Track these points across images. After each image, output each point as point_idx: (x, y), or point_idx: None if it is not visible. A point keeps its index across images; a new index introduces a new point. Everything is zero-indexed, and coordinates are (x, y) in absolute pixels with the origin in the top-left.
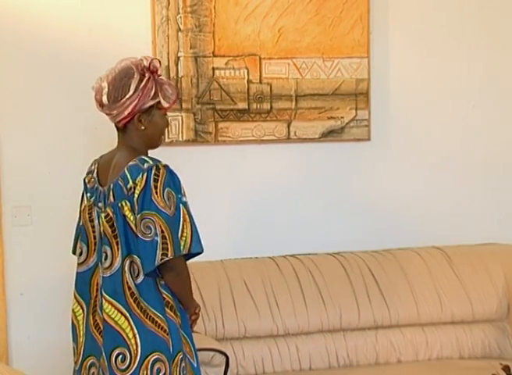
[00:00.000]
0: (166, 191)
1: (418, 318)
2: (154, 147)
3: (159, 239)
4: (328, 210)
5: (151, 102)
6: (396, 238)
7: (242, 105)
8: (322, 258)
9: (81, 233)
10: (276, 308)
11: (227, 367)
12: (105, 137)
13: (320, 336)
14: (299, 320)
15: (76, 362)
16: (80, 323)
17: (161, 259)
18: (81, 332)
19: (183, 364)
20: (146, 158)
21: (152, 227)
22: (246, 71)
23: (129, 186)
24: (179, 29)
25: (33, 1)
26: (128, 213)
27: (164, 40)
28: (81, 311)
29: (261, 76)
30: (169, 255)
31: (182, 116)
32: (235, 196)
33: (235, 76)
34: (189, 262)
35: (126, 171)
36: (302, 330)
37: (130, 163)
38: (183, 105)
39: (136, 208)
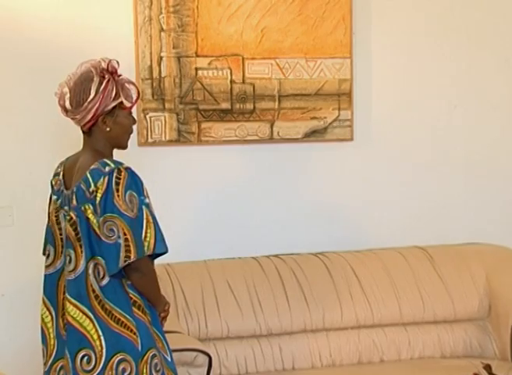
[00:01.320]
0: (128, 193)
1: (401, 317)
2: (121, 147)
3: (122, 241)
4: (311, 210)
5: (113, 103)
6: (378, 238)
7: (225, 105)
8: (305, 258)
9: (48, 236)
10: (259, 309)
11: (210, 367)
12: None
13: (303, 336)
14: (282, 320)
15: (45, 364)
16: (49, 326)
17: (125, 261)
18: (51, 335)
19: (156, 360)
20: (108, 162)
21: (115, 230)
22: (229, 71)
23: (91, 189)
24: (162, 29)
25: (14, 1)
26: (91, 216)
27: (146, 40)
28: (48, 314)
29: (244, 76)
30: (132, 258)
31: (165, 116)
32: (218, 196)
33: (218, 76)
34: (171, 262)
35: (88, 174)
36: (285, 330)
37: (92, 167)
38: (166, 105)
39: (99, 211)
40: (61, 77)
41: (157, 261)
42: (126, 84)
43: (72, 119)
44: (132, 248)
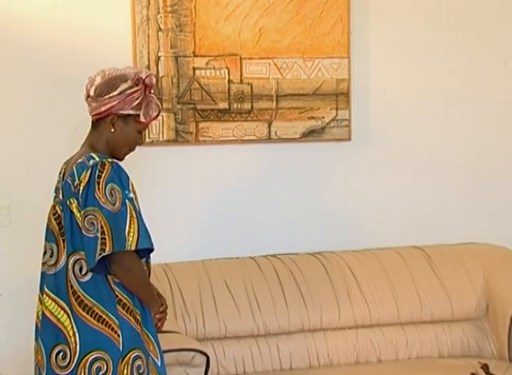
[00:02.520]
0: (109, 186)
1: (398, 317)
2: (117, 157)
3: (99, 234)
4: (309, 210)
5: (131, 111)
6: (376, 238)
7: (223, 105)
8: (303, 258)
9: (46, 233)
10: (257, 308)
11: (208, 367)
12: (85, 138)
13: (301, 335)
14: (279, 320)
15: (35, 360)
16: None
17: (100, 254)
18: None
19: (139, 362)
20: (93, 155)
21: (95, 223)
22: (226, 71)
23: (75, 183)
24: (160, 29)
25: (11, 2)
26: (75, 210)
27: (144, 39)
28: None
29: (241, 76)
30: (107, 251)
31: (162, 116)
32: (216, 196)
33: (215, 76)
34: (169, 261)
35: (74, 168)
36: (283, 329)
37: (79, 160)
38: (164, 105)
39: (81, 204)
40: (58, 77)
41: (154, 261)
42: (152, 103)
43: (88, 105)
44: (107, 241)
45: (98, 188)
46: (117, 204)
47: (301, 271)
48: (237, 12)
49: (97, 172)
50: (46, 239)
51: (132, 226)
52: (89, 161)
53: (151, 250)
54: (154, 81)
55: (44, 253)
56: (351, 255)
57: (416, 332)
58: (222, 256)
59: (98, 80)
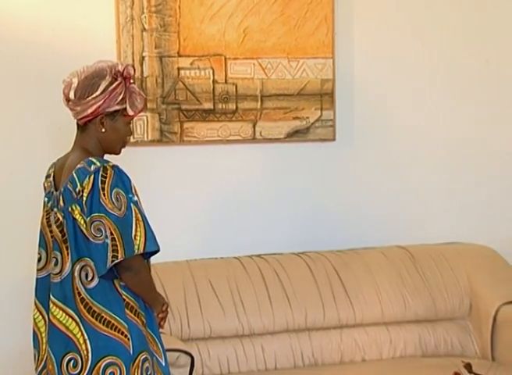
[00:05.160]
0: (114, 191)
1: (382, 317)
2: (113, 152)
3: (109, 241)
4: (294, 210)
5: (117, 107)
6: (360, 238)
7: (207, 106)
8: (288, 258)
9: (40, 239)
10: (242, 308)
11: (192, 368)
12: (69, 138)
13: (285, 335)
14: (264, 320)
15: (36, 369)
16: (42, 330)
17: (112, 261)
18: (43, 339)
19: (147, 364)
20: (93, 160)
21: (103, 229)
22: (211, 71)
23: (77, 189)
24: (144, 28)
25: None
26: (78, 217)
27: (128, 39)
28: (41, 318)
29: (226, 76)
30: (119, 257)
31: (147, 116)
32: (200, 196)
33: (200, 76)
34: (154, 262)
35: (74, 174)
36: (267, 329)
37: (78, 166)
38: (148, 105)
39: (86, 211)
40: (42, 77)
41: None
42: (135, 94)
43: (71, 110)
44: (119, 248)
45: (104, 194)
46: (122, 208)
47: (286, 271)
48: (222, 13)
49: (100, 177)
50: (40, 245)
51: (138, 229)
52: (90, 166)
53: (157, 251)
54: (132, 71)
55: (39, 259)
56: (336, 255)
57: (400, 332)
58: (207, 256)
59: (75, 81)
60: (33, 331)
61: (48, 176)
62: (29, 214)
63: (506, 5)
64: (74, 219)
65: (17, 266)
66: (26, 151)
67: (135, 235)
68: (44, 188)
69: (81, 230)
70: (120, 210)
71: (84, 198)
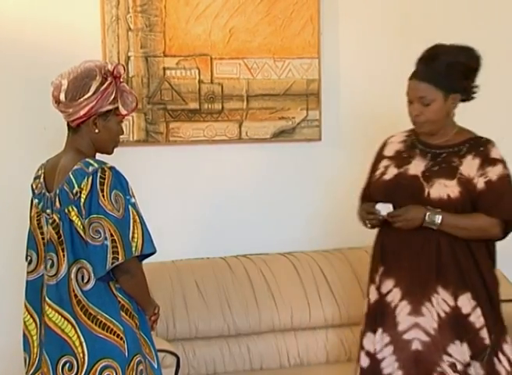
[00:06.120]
0: (113, 193)
1: None
2: (106, 152)
3: (109, 243)
4: (280, 210)
5: (109, 107)
6: (346, 238)
7: (193, 106)
8: (274, 258)
9: (30, 241)
10: (228, 309)
11: (178, 368)
12: (54, 138)
13: (271, 335)
14: (250, 320)
15: (27, 373)
16: (33, 333)
17: (112, 263)
18: (35, 343)
19: (141, 367)
20: (91, 161)
21: (101, 231)
22: (197, 71)
23: (74, 191)
24: (130, 28)
25: None
26: (75, 218)
27: (114, 39)
28: (32, 321)
29: (212, 76)
30: (120, 259)
31: (132, 116)
32: (186, 196)
33: (186, 76)
34: None
35: (71, 175)
36: (253, 329)
37: (75, 167)
38: None
39: (84, 212)
40: (27, 77)
41: None
42: (126, 92)
43: (62, 112)
44: (120, 250)
45: (103, 195)
46: (121, 210)
47: (272, 271)
48: (208, 13)
49: (98, 179)
50: (30, 247)
51: (136, 231)
52: (87, 167)
53: (153, 253)
54: (123, 70)
55: (30, 262)
56: (321, 255)
57: None
58: (193, 257)
59: (65, 83)
60: (24, 334)
61: (37, 178)
62: (15, 216)
63: (491, 4)
64: (71, 220)
65: (6, 267)
66: (11, 151)
67: (132, 237)
68: (33, 189)
69: (78, 232)
70: (119, 212)
71: (82, 200)
